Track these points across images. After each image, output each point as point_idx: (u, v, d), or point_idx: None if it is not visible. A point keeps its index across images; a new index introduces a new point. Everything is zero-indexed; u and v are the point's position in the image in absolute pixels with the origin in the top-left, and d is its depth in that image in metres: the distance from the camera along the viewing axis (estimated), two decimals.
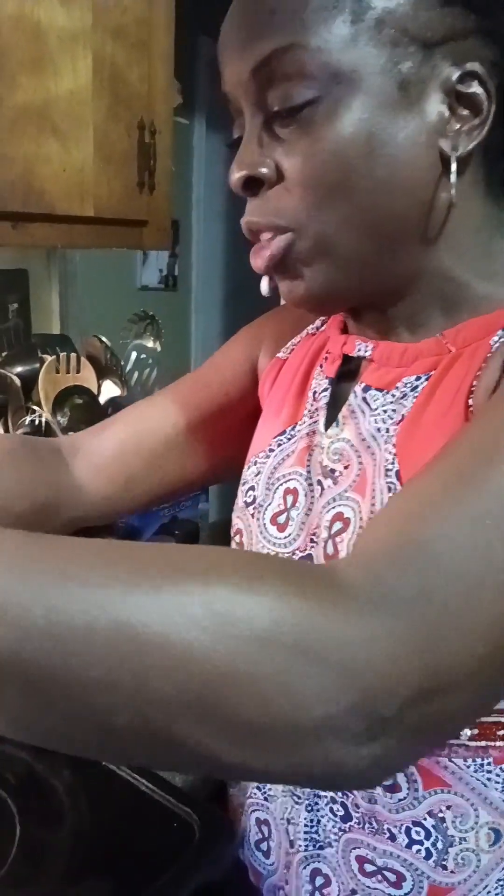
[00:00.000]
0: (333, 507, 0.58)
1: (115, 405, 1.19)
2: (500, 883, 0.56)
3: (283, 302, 0.59)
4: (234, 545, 0.66)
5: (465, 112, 0.51)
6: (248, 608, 0.33)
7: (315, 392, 0.65)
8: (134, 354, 1.24)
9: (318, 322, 0.70)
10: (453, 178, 0.51)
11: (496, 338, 0.53)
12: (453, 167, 0.51)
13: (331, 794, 0.58)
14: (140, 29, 1.18)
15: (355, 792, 0.57)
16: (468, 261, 0.55)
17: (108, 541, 0.37)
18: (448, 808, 0.54)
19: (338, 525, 0.57)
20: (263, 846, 0.65)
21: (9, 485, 0.71)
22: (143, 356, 1.25)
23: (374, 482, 0.56)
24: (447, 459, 0.44)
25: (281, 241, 0.54)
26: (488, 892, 0.56)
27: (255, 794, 0.65)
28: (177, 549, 0.37)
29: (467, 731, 0.52)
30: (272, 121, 0.53)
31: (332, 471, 0.59)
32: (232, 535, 0.67)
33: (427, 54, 0.49)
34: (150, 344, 1.28)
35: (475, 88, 0.50)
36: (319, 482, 0.60)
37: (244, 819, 0.67)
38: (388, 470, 0.55)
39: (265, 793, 0.64)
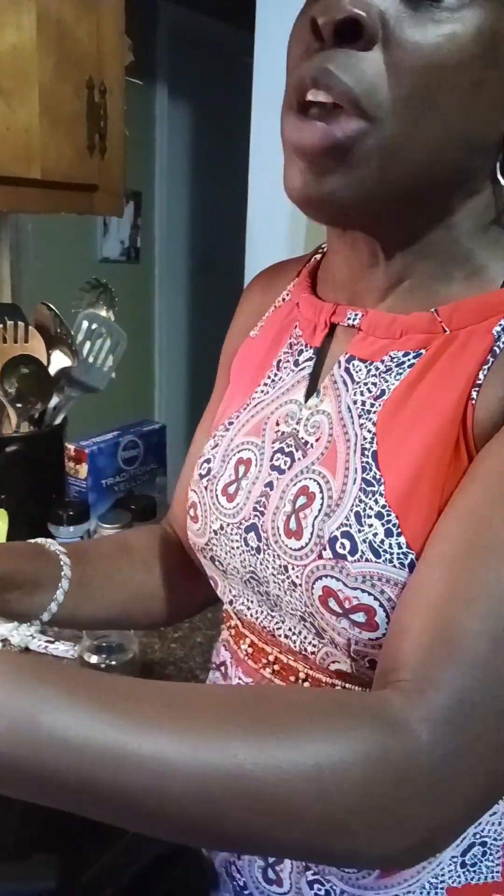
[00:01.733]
0: (300, 481, 0.55)
1: (66, 375, 1.16)
2: (454, 860, 0.55)
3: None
4: (189, 520, 0.64)
5: None
6: (344, 767, 0.38)
7: (279, 361, 0.62)
8: (85, 324, 1.20)
9: (283, 293, 0.67)
10: None
11: (499, 328, 0.50)
12: None
13: None
14: None
15: None
16: (478, 229, 0.52)
17: (215, 687, 0.45)
18: None
19: (302, 500, 0.54)
20: None
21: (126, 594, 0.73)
22: (95, 326, 1.21)
23: (347, 459, 0.53)
24: (471, 530, 0.45)
25: (355, 125, 0.45)
26: (441, 868, 0.55)
27: None
28: (276, 698, 0.43)
29: None
30: None
31: (306, 443, 0.56)
32: (187, 508, 0.65)
33: None
34: (103, 313, 1.23)
35: None
36: (290, 454, 0.57)
37: None
38: (364, 449, 0.52)
39: None
